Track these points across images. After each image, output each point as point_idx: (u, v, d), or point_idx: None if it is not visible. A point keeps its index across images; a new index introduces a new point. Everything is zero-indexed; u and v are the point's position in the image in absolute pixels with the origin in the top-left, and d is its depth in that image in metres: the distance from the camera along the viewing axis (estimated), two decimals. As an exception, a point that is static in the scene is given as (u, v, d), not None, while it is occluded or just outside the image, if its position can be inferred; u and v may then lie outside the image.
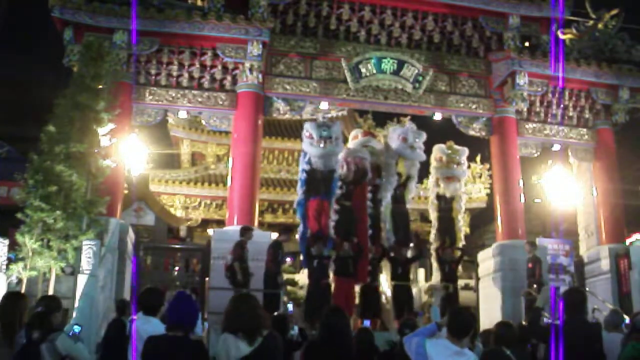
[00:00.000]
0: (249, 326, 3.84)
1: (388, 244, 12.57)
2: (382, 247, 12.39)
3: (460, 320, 4.18)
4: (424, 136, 13.18)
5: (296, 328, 6.71)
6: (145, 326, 4.68)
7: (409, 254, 12.57)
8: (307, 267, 11.59)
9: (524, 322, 9.44)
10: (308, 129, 11.88)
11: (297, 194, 12.28)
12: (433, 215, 13.82)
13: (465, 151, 13.64)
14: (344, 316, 4.71)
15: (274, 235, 11.64)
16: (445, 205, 13.55)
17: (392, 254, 12.22)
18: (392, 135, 13.18)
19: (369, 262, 12.09)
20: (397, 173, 13.05)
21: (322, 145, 11.65)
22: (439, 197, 13.64)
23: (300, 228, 11.99)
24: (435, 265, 13.40)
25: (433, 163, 13.68)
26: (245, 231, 10.76)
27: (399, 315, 11.47)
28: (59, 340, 4.51)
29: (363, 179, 12.42)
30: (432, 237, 13.54)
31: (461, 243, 13.45)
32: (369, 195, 12.79)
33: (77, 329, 4.94)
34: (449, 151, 13.47)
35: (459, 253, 12.99)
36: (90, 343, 7.77)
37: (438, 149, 13.59)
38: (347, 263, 11.37)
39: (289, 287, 17.83)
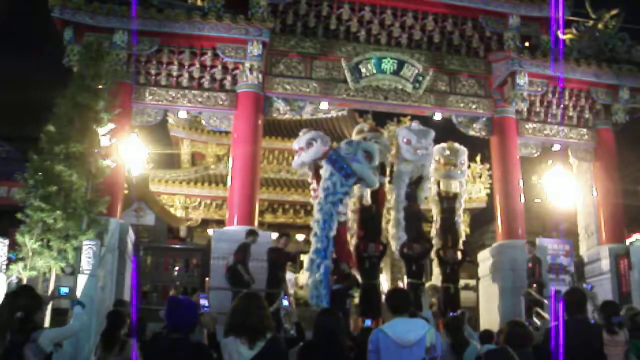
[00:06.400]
0: (253, 325, 3.86)
1: (399, 242, 12.36)
2: (383, 244, 12.28)
3: (397, 298, 4.60)
4: (431, 135, 12.73)
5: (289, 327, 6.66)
6: None
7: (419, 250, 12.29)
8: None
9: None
10: (328, 169, 10.66)
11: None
12: (435, 215, 13.77)
13: (464, 151, 13.48)
14: (335, 317, 4.73)
15: (274, 236, 11.61)
16: (448, 205, 13.45)
17: (405, 251, 12.07)
18: (398, 137, 12.93)
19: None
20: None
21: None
22: (441, 197, 13.51)
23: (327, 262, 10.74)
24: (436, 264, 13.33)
25: (433, 164, 13.61)
26: (251, 234, 10.65)
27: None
28: (42, 337, 4.45)
29: None
30: (433, 236, 13.40)
31: (462, 239, 13.36)
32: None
33: (63, 291, 5.09)
34: (447, 152, 13.33)
35: (460, 254, 12.92)
36: (90, 343, 7.79)
37: (436, 150, 13.39)
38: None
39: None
